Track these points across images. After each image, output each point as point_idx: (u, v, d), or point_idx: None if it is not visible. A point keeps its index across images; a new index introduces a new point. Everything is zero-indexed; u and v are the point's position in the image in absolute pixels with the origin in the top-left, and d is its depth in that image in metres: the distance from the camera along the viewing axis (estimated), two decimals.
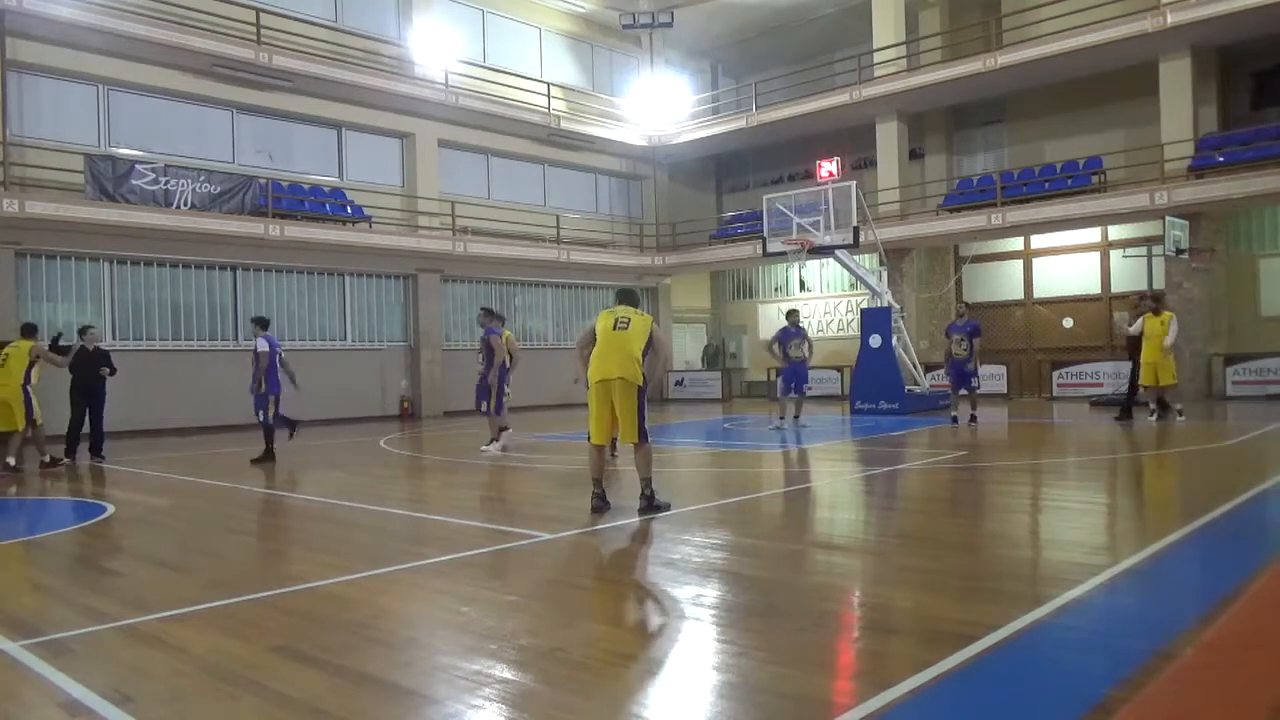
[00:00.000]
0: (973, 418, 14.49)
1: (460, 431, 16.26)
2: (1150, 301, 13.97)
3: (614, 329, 6.97)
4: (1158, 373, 13.32)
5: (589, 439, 7.08)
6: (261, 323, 12.16)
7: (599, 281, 25.72)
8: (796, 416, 14.94)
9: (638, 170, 27.77)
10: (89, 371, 12.55)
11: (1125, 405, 14.59)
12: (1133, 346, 14.29)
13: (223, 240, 17.91)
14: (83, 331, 12.94)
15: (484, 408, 12.42)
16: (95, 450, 12.57)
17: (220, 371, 17.99)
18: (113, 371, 12.83)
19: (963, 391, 14.64)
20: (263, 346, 11.66)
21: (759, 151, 27.76)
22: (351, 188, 20.99)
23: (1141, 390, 14.00)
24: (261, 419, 11.82)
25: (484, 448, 12.20)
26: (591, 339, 7.11)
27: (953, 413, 14.97)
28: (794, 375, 14.63)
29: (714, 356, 27.84)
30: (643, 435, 6.86)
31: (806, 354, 14.77)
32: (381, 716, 3.15)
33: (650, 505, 6.85)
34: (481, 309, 13.01)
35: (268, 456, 11.66)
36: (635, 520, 6.63)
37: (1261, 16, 17.63)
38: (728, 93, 28.36)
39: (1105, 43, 19.18)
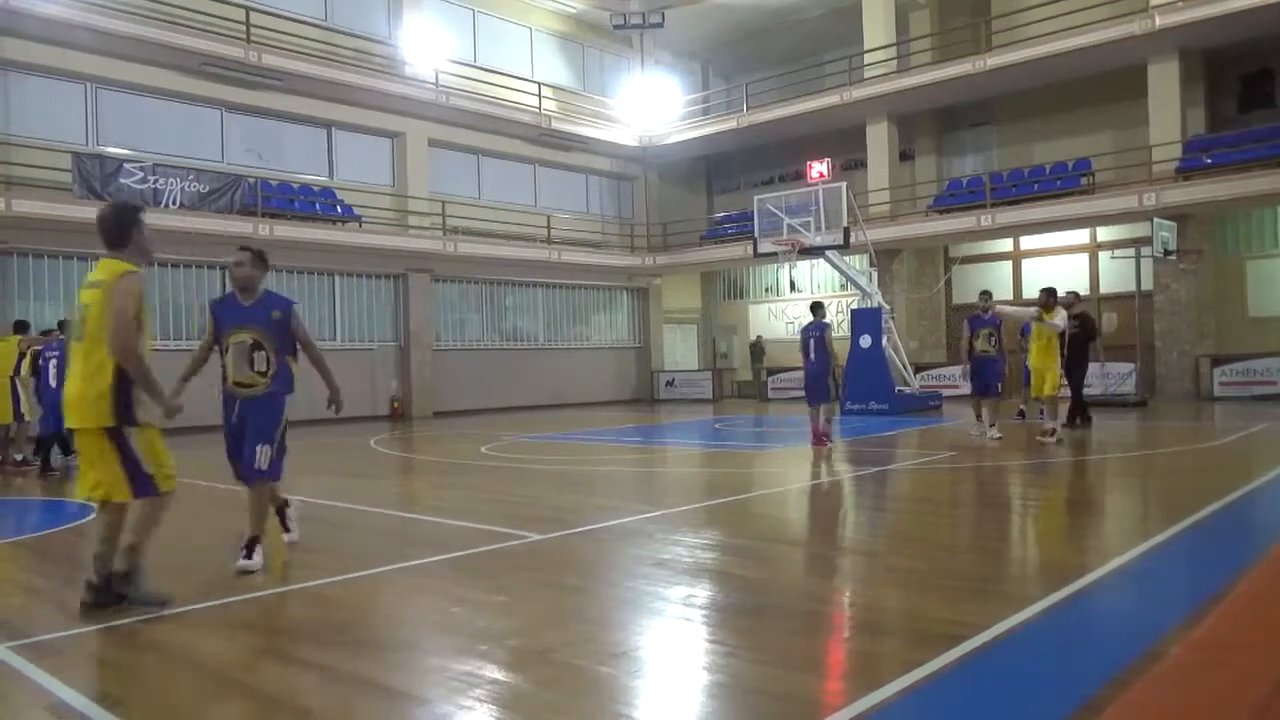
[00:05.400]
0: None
1: (451, 432, 16.24)
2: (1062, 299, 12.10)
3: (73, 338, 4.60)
4: (1044, 380, 11.60)
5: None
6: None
7: (590, 282, 25.70)
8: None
9: (628, 170, 27.75)
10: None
11: (1075, 411, 13.30)
12: (1070, 348, 13.00)
13: (211, 240, 17.79)
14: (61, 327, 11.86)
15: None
16: (64, 449, 11.37)
17: (208, 371, 17.88)
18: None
19: (989, 397, 12.20)
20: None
21: (749, 152, 27.77)
22: (341, 187, 20.92)
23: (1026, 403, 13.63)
24: (54, 427, 10.36)
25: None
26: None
27: (990, 424, 11.99)
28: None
29: (758, 354, 27.16)
30: (143, 488, 4.33)
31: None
32: (371, 717, 3.15)
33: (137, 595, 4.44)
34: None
35: (48, 469, 10.77)
36: (625, 520, 6.62)
37: (1248, 20, 17.76)
38: (718, 93, 28.38)
39: (1094, 45, 19.28)
